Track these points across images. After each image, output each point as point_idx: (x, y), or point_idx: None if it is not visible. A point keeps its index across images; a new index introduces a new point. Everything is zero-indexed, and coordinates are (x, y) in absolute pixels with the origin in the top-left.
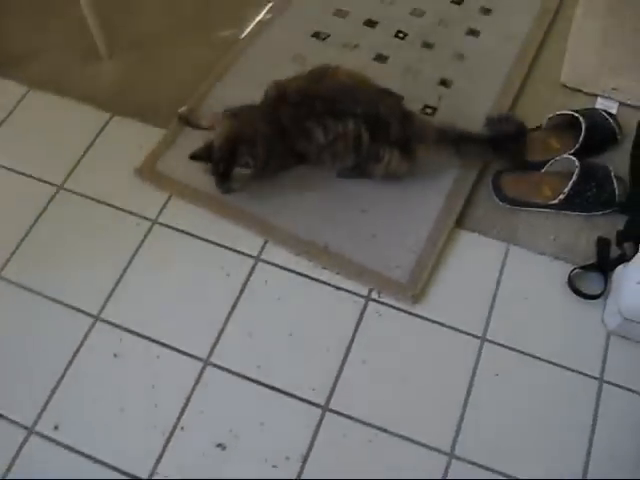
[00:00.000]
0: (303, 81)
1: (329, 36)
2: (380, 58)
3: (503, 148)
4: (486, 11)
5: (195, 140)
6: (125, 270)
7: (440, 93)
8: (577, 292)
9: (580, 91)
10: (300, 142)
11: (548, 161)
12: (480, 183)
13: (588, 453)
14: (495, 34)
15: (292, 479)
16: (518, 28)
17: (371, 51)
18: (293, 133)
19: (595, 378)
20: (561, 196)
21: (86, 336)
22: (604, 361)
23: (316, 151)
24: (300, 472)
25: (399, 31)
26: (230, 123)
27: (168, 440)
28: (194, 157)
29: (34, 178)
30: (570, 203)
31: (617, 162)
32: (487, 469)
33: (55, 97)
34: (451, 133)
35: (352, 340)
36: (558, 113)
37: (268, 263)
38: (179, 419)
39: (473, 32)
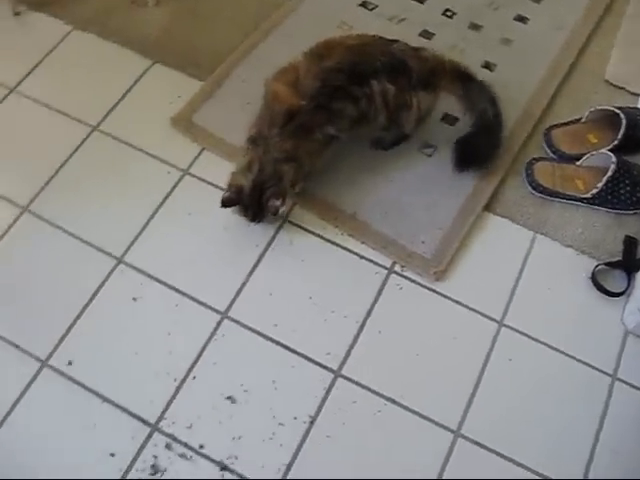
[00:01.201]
0: (307, 63)
1: (377, 7)
2: (426, 34)
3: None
4: None
5: (233, 95)
6: (152, 216)
7: (483, 76)
8: (599, 288)
9: (623, 89)
10: (326, 128)
11: (584, 154)
12: (513, 169)
13: (593, 446)
14: (544, 23)
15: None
16: (567, 19)
17: (417, 26)
18: (316, 125)
19: (608, 375)
20: (594, 190)
21: (107, 277)
22: (619, 359)
23: (347, 127)
24: (306, 433)
25: (447, 9)
26: (251, 159)
27: (179, 388)
28: (225, 204)
29: (70, 117)
30: (602, 199)
31: None
32: (491, 451)
33: (98, 39)
34: (460, 66)
35: (371, 310)
36: (599, 108)
37: (295, 225)
38: (192, 368)
39: (522, 18)
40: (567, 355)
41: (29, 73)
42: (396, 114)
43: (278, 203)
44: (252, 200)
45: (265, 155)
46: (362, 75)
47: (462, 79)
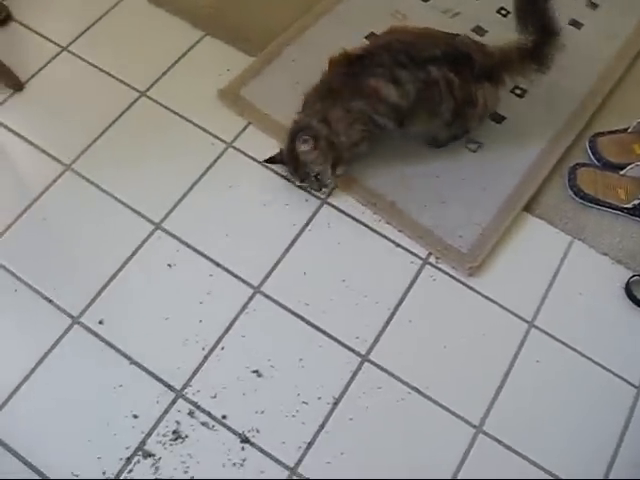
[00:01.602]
0: (368, 42)
1: None
2: (479, 30)
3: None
4: (593, 5)
5: (283, 73)
6: (193, 185)
7: (533, 77)
8: (632, 299)
9: None
10: (356, 102)
11: (628, 164)
12: (555, 172)
13: (614, 456)
14: (597, 30)
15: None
16: (622, 28)
17: (471, 22)
18: (345, 93)
19: (634, 386)
20: (635, 201)
21: (144, 241)
22: None
23: (396, 115)
24: (329, 414)
25: (502, 8)
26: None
27: (207, 357)
28: (268, 161)
29: (119, 80)
30: None
31: None
32: (511, 450)
33: (151, 6)
34: (527, 43)
35: (403, 298)
36: None
37: (334, 207)
38: (221, 339)
39: (576, 23)
40: (594, 362)
41: (81, 34)
42: (462, 108)
43: (308, 138)
44: (289, 153)
45: (300, 115)
46: (415, 59)
47: (532, 57)
